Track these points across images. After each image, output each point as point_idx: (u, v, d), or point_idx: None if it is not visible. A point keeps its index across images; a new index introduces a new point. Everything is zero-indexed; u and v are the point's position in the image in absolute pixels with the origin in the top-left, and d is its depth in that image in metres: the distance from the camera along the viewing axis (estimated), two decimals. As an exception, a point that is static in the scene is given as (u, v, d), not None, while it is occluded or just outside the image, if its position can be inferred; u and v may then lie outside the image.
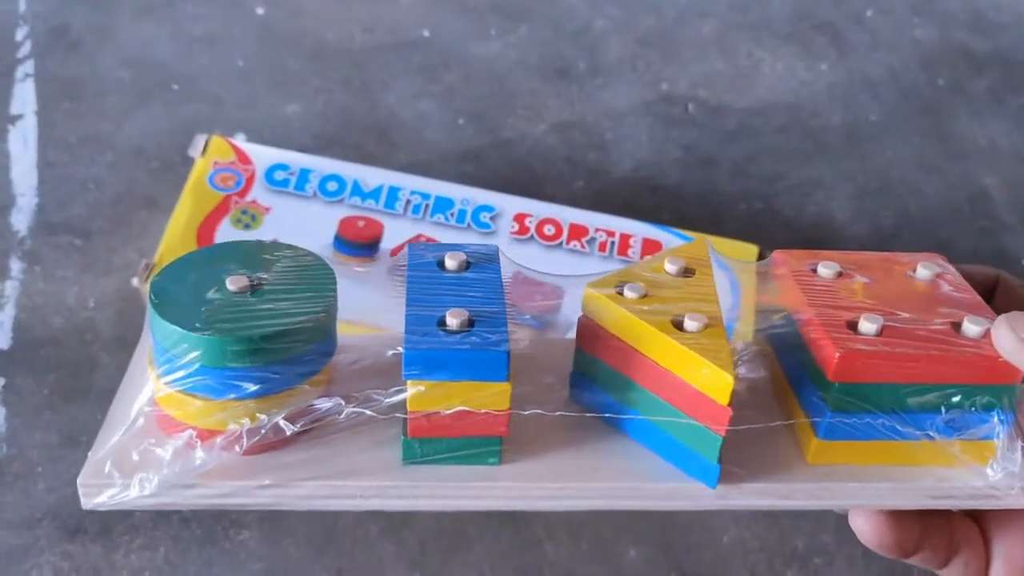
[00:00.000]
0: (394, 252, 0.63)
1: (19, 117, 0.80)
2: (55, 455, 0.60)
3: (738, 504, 0.33)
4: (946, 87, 0.92)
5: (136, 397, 0.33)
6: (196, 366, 0.30)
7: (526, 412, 0.33)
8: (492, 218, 0.65)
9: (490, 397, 0.31)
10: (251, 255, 0.33)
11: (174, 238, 0.62)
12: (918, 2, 1.00)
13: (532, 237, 0.65)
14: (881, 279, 0.36)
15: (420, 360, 0.30)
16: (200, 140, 0.66)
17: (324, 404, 0.32)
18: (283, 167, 0.66)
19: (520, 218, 0.65)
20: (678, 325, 0.32)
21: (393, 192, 0.65)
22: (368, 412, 0.32)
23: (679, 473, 0.33)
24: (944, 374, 0.32)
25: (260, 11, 0.92)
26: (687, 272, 0.35)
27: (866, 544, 0.35)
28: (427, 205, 0.65)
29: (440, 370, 0.30)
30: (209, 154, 0.66)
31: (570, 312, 0.52)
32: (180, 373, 0.31)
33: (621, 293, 0.33)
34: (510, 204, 0.66)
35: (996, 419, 0.33)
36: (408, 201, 0.65)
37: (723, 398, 0.31)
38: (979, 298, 0.35)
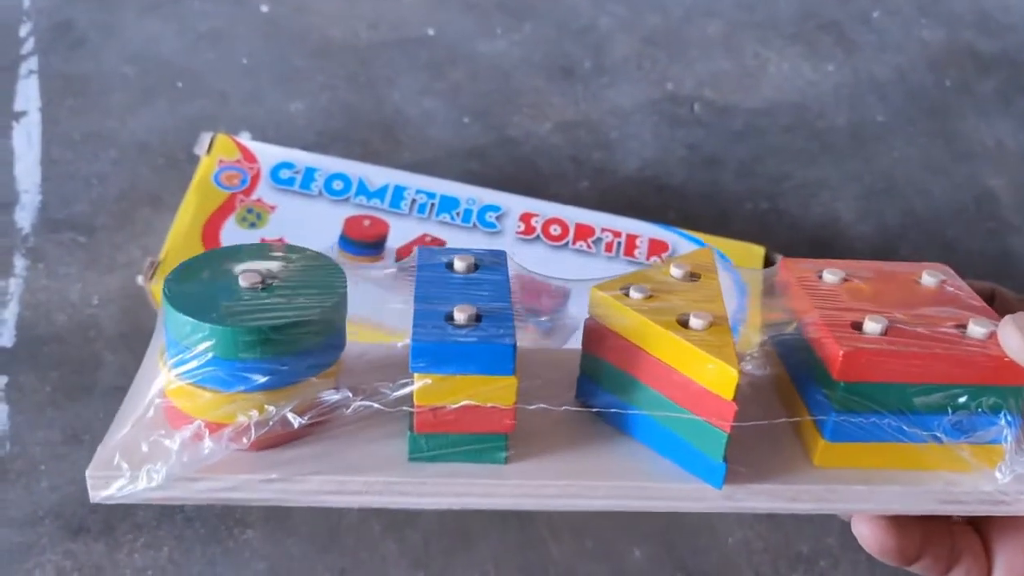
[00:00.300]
0: (399, 252, 0.62)
1: (23, 114, 0.80)
2: (58, 453, 0.60)
3: (744, 506, 0.33)
4: (953, 88, 0.92)
5: (147, 392, 0.33)
6: (208, 356, 0.31)
7: (531, 407, 0.33)
8: (498, 218, 0.65)
9: (496, 391, 0.31)
10: (263, 256, 0.34)
11: (179, 236, 0.62)
12: (925, 3, 1.00)
13: (538, 237, 0.64)
14: (886, 284, 0.36)
15: (427, 353, 0.31)
16: (205, 138, 0.66)
17: (332, 396, 0.33)
18: (288, 166, 0.66)
19: (526, 218, 0.65)
20: (683, 323, 0.32)
21: (399, 191, 0.65)
22: (376, 405, 0.32)
23: (686, 474, 0.33)
24: (949, 374, 0.32)
25: (265, 8, 0.92)
26: (693, 276, 0.36)
27: (868, 550, 0.35)
28: (433, 204, 0.65)
29: (447, 363, 0.31)
30: (214, 152, 0.66)
31: (577, 316, 0.52)
32: (192, 364, 0.31)
33: (627, 294, 0.34)
34: (516, 204, 0.66)
35: (1003, 421, 0.33)
36: (414, 200, 0.65)
37: (728, 393, 0.31)
38: (984, 303, 0.35)
